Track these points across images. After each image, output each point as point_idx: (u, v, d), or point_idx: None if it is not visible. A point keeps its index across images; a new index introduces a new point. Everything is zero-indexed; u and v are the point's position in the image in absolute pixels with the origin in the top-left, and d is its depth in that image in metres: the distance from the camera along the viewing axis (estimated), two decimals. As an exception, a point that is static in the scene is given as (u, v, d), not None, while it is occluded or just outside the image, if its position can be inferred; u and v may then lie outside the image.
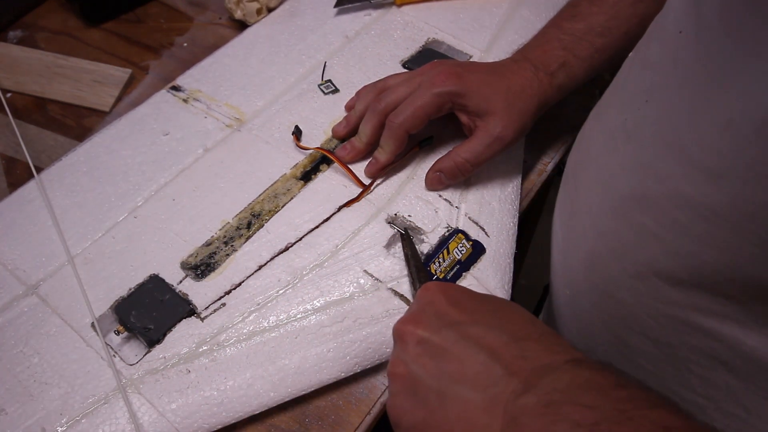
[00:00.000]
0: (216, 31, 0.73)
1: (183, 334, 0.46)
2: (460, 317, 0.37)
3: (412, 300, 0.48)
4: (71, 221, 0.52)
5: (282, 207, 0.53)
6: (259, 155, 0.57)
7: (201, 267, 0.50)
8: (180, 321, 0.47)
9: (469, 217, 0.53)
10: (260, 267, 0.50)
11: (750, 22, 0.30)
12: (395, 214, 0.53)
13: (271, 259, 0.50)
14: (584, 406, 0.29)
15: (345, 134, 0.57)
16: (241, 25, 0.70)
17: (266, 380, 0.45)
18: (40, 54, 0.69)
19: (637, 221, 0.40)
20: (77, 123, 0.64)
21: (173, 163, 0.56)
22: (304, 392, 0.45)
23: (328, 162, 0.56)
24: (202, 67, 0.64)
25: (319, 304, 0.48)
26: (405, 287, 0.49)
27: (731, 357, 0.38)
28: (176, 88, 0.62)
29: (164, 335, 0.46)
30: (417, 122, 0.52)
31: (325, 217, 0.52)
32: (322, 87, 0.62)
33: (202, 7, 0.75)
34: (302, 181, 0.55)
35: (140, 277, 0.49)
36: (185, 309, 0.47)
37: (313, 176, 0.55)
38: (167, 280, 0.49)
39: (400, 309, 0.48)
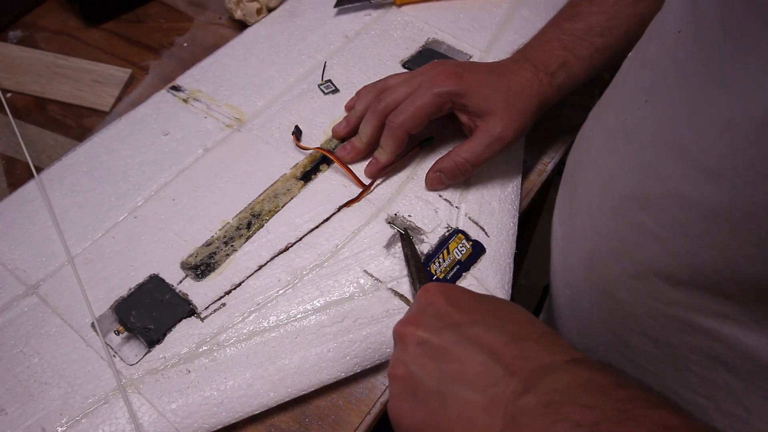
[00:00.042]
0: (216, 31, 0.73)
1: (183, 334, 0.46)
2: (460, 318, 0.37)
3: (412, 300, 0.48)
4: (71, 221, 0.52)
5: (282, 207, 0.53)
6: (259, 155, 0.57)
7: (201, 267, 0.50)
8: (180, 321, 0.47)
9: (469, 217, 0.53)
10: (260, 267, 0.50)
11: (749, 22, 0.30)
12: (395, 214, 0.53)
13: (271, 259, 0.50)
14: (584, 406, 0.29)
15: (345, 134, 0.57)
16: (241, 25, 0.70)
17: (266, 380, 0.45)
18: (40, 54, 0.69)
19: (636, 221, 0.40)
20: (77, 123, 0.64)
21: (173, 163, 0.56)
22: (304, 392, 0.45)
23: (328, 162, 0.56)
24: (202, 67, 0.64)
25: (319, 304, 0.48)
26: (405, 287, 0.49)
27: (731, 357, 0.38)
28: (176, 88, 0.62)
29: (164, 335, 0.46)
30: (417, 122, 0.52)
31: (325, 217, 0.52)
32: (322, 87, 0.62)
33: (202, 7, 0.75)
34: (302, 181, 0.55)
35: (140, 277, 0.49)
36: (185, 309, 0.47)
37: (313, 176, 0.55)
38: (167, 280, 0.49)
39: (400, 309, 0.48)
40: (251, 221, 0.52)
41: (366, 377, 0.48)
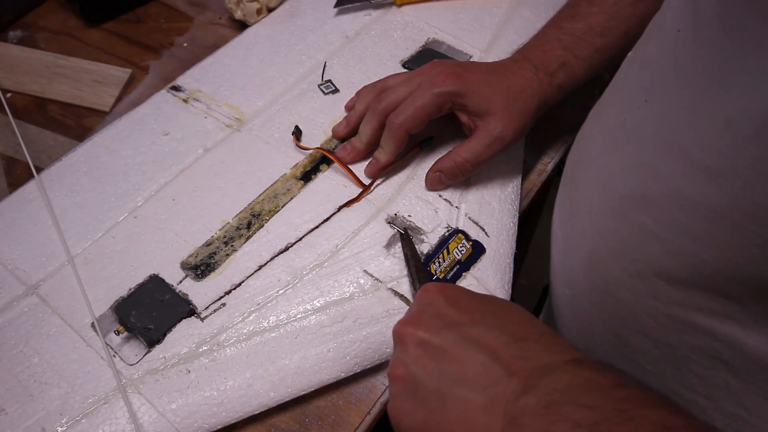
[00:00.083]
0: (216, 31, 0.73)
1: (183, 334, 0.46)
2: (460, 318, 0.37)
3: (412, 300, 0.48)
4: (71, 221, 0.52)
5: (282, 207, 0.53)
6: (259, 155, 0.57)
7: (201, 267, 0.50)
8: (180, 321, 0.47)
9: (469, 217, 0.53)
10: (260, 267, 0.50)
11: (749, 21, 0.30)
12: (395, 214, 0.53)
13: (271, 259, 0.50)
14: (584, 406, 0.29)
15: (345, 134, 0.57)
16: (241, 25, 0.70)
17: (266, 380, 0.45)
18: (40, 54, 0.69)
19: (636, 221, 0.40)
20: (77, 123, 0.64)
21: (173, 163, 0.56)
22: (304, 392, 0.45)
23: (328, 162, 0.56)
24: (202, 67, 0.64)
25: (319, 304, 0.48)
26: (405, 287, 0.49)
27: (731, 356, 0.38)
28: (176, 88, 0.62)
29: (164, 335, 0.46)
30: (417, 122, 0.52)
31: (325, 217, 0.52)
32: (322, 87, 0.62)
33: (202, 7, 0.75)
34: (302, 181, 0.55)
35: (140, 277, 0.49)
36: (185, 309, 0.47)
37: (313, 176, 0.55)
38: (167, 280, 0.49)
39: (400, 309, 0.48)
40: (251, 221, 0.52)
41: (366, 377, 0.48)
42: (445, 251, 0.50)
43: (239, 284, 0.49)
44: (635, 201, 0.40)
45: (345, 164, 0.55)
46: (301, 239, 0.51)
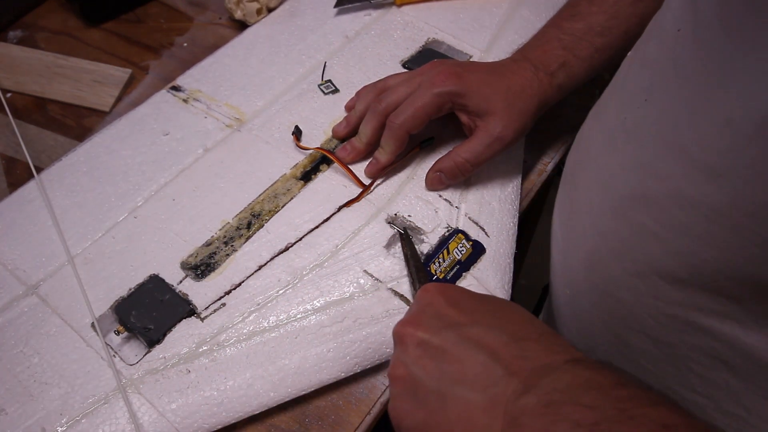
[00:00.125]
0: (216, 31, 0.73)
1: (183, 334, 0.46)
2: (460, 318, 0.37)
3: (411, 300, 0.48)
4: (71, 221, 0.52)
5: (282, 207, 0.53)
6: (259, 155, 0.57)
7: (201, 267, 0.50)
8: (180, 321, 0.47)
9: (469, 217, 0.53)
10: (260, 267, 0.50)
11: (749, 21, 0.30)
12: (395, 214, 0.53)
13: (271, 259, 0.50)
14: (584, 405, 0.29)
15: (345, 134, 0.57)
16: (241, 25, 0.70)
17: (266, 380, 0.45)
18: (40, 54, 0.69)
19: (637, 221, 0.40)
20: (77, 123, 0.64)
21: (173, 163, 0.56)
22: (304, 392, 0.45)
23: (328, 162, 0.56)
24: (202, 67, 0.64)
25: (319, 304, 0.48)
26: (405, 287, 0.49)
27: (732, 356, 0.38)
28: (176, 88, 0.62)
29: (164, 335, 0.46)
30: (417, 122, 0.52)
31: (325, 217, 0.52)
32: (322, 87, 0.62)
33: (202, 7, 0.75)
34: (302, 181, 0.55)
35: (140, 277, 0.49)
36: (185, 309, 0.47)
37: (313, 176, 0.55)
38: (167, 280, 0.49)
39: (400, 309, 0.48)
40: (251, 221, 0.52)
41: (366, 377, 0.48)
42: (445, 251, 0.50)
43: (239, 284, 0.49)
44: (635, 201, 0.40)
45: (345, 164, 0.55)
46: (301, 239, 0.51)
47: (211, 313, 0.47)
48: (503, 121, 0.51)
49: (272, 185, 0.54)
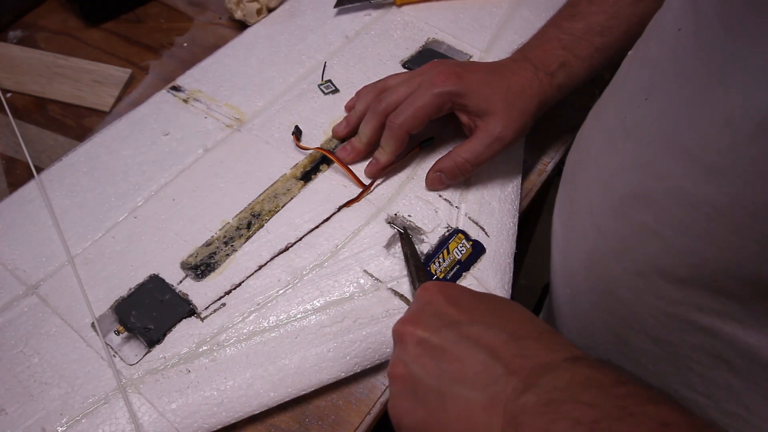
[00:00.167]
0: (216, 31, 0.73)
1: (183, 334, 0.46)
2: (459, 316, 0.37)
3: (411, 300, 0.48)
4: (71, 221, 0.52)
5: (282, 207, 0.53)
6: (259, 155, 0.57)
7: (201, 267, 0.50)
8: (180, 321, 0.47)
9: (469, 217, 0.53)
10: (260, 267, 0.50)
11: (749, 20, 0.30)
12: (395, 214, 0.53)
13: (271, 259, 0.50)
14: (584, 403, 0.29)
15: (345, 134, 0.57)
16: (241, 25, 0.70)
17: (266, 380, 0.45)
18: (40, 54, 0.69)
19: (637, 220, 0.40)
20: (77, 123, 0.64)
21: (173, 163, 0.56)
22: (304, 392, 0.45)
23: (328, 162, 0.56)
24: (202, 67, 0.64)
25: (319, 304, 0.48)
26: (405, 287, 0.49)
27: (732, 356, 0.38)
28: (176, 88, 0.62)
29: (164, 335, 0.46)
30: (417, 122, 0.52)
31: (325, 217, 0.52)
32: (322, 87, 0.62)
33: (202, 7, 0.75)
34: (302, 181, 0.55)
35: (140, 277, 0.49)
36: (185, 309, 0.47)
37: (313, 176, 0.55)
38: (167, 280, 0.49)
39: (400, 309, 0.48)
40: (251, 221, 0.52)
41: (366, 377, 0.48)
42: (445, 251, 0.50)
43: (239, 284, 0.49)
44: (635, 200, 0.40)
45: (345, 164, 0.55)
46: (301, 239, 0.51)
47: (211, 313, 0.47)
48: (503, 121, 0.51)
49: (272, 185, 0.54)
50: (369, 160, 0.55)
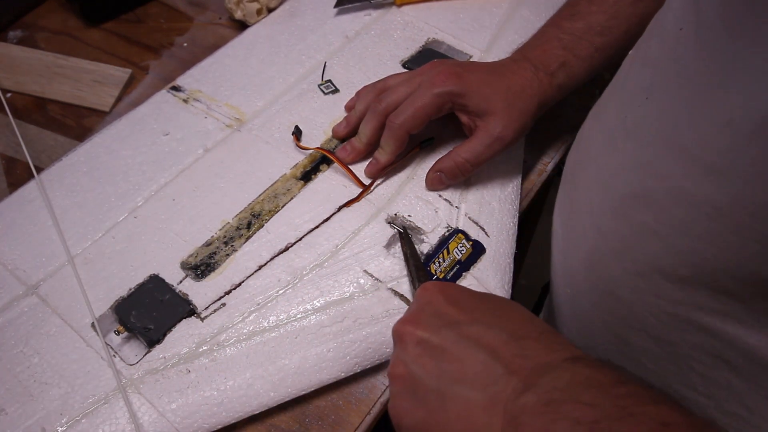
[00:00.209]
0: (216, 31, 0.73)
1: (183, 334, 0.46)
2: (459, 316, 0.37)
3: (411, 300, 0.48)
4: (71, 221, 0.52)
5: (282, 207, 0.53)
6: (259, 155, 0.57)
7: (201, 267, 0.50)
8: (180, 321, 0.47)
9: (469, 217, 0.53)
10: (260, 267, 0.50)
11: (750, 21, 0.30)
12: (395, 214, 0.53)
13: (271, 259, 0.50)
14: (584, 403, 0.29)
15: (345, 134, 0.57)
16: (241, 25, 0.70)
17: (266, 380, 0.45)
18: (40, 54, 0.69)
19: (637, 220, 0.40)
20: (77, 123, 0.64)
21: (173, 163, 0.56)
22: (304, 392, 0.45)
23: (328, 162, 0.56)
24: (202, 67, 0.64)
25: (319, 304, 0.48)
26: (405, 287, 0.49)
27: (733, 355, 0.38)
28: (176, 88, 0.62)
29: (164, 335, 0.46)
30: (417, 122, 0.52)
31: (325, 217, 0.52)
32: (322, 87, 0.62)
33: (202, 7, 0.75)
34: (302, 181, 0.55)
35: (140, 277, 0.49)
36: (185, 309, 0.47)
37: (313, 176, 0.55)
38: (167, 280, 0.49)
39: (400, 309, 0.48)
40: (251, 221, 0.52)
41: (366, 377, 0.48)
42: (445, 251, 0.50)
43: (239, 284, 0.49)
44: (636, 200, 0.40)
45: (345, 164, 0.55)
46: (301, 239, 0.51)
47: (211, 313, 0.47)
48: (503, 121, 0.51)
49: (272, 185, 0.54)
50: (369, 160, 0.55)
